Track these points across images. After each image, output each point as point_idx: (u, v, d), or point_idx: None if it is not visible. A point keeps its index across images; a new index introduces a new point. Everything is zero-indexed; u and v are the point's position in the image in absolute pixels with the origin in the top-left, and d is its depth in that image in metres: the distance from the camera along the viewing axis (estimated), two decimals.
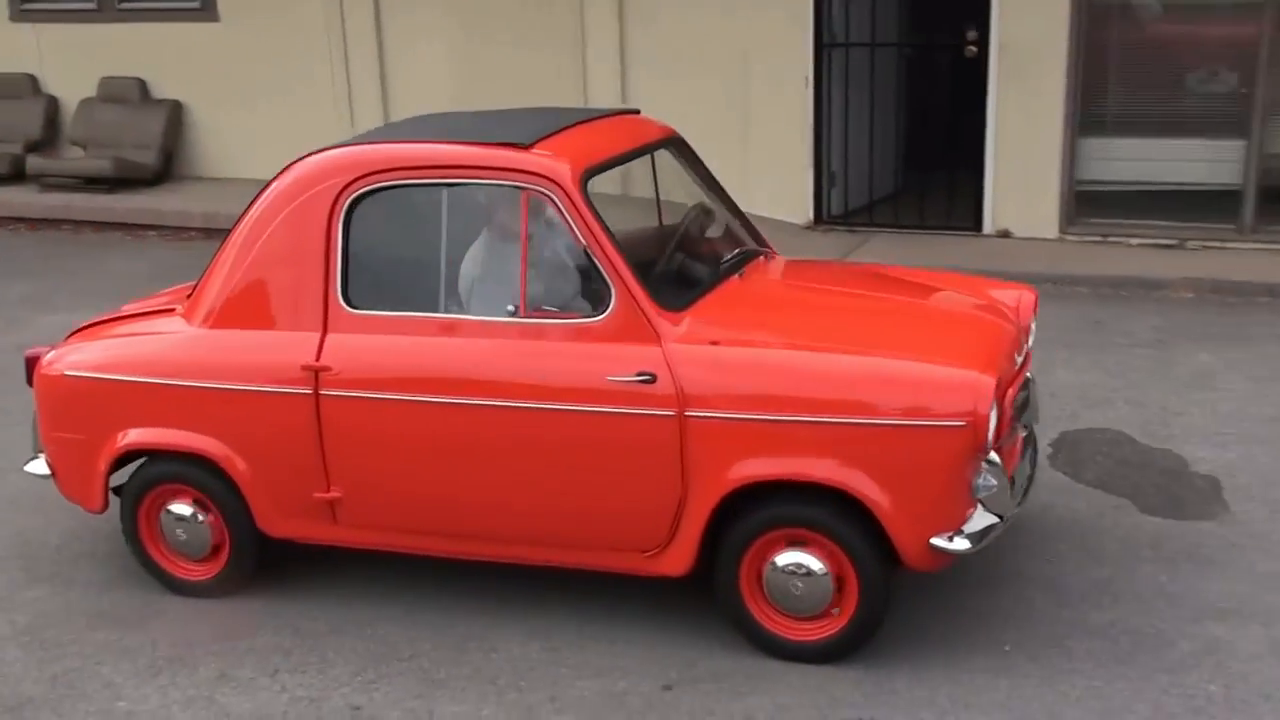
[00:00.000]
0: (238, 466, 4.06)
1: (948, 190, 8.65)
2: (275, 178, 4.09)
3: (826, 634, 3.74)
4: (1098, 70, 8.22)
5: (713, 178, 4.65)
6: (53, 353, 4.33)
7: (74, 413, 4.24)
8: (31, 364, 4.38)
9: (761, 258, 4.46)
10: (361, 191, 3.92)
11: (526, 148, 3.86)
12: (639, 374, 3.67)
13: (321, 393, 3.92)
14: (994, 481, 3.61)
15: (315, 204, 3.95)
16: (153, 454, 4.21)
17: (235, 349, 4.04)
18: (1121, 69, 8.32)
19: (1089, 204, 8.33)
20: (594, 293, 3.79)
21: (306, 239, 3.96)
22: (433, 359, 3.88)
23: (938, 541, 3.57)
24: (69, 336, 4.49)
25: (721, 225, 4.52)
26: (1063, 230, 8.31)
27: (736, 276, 4.19)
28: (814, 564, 3.67)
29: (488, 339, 3.83)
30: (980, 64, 8.24)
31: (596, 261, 3.75)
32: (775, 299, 4.34)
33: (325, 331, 3.95)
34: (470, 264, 3.98)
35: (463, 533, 4.01)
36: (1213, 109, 8.26)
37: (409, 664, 3.86)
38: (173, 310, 4.33)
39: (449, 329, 3.88)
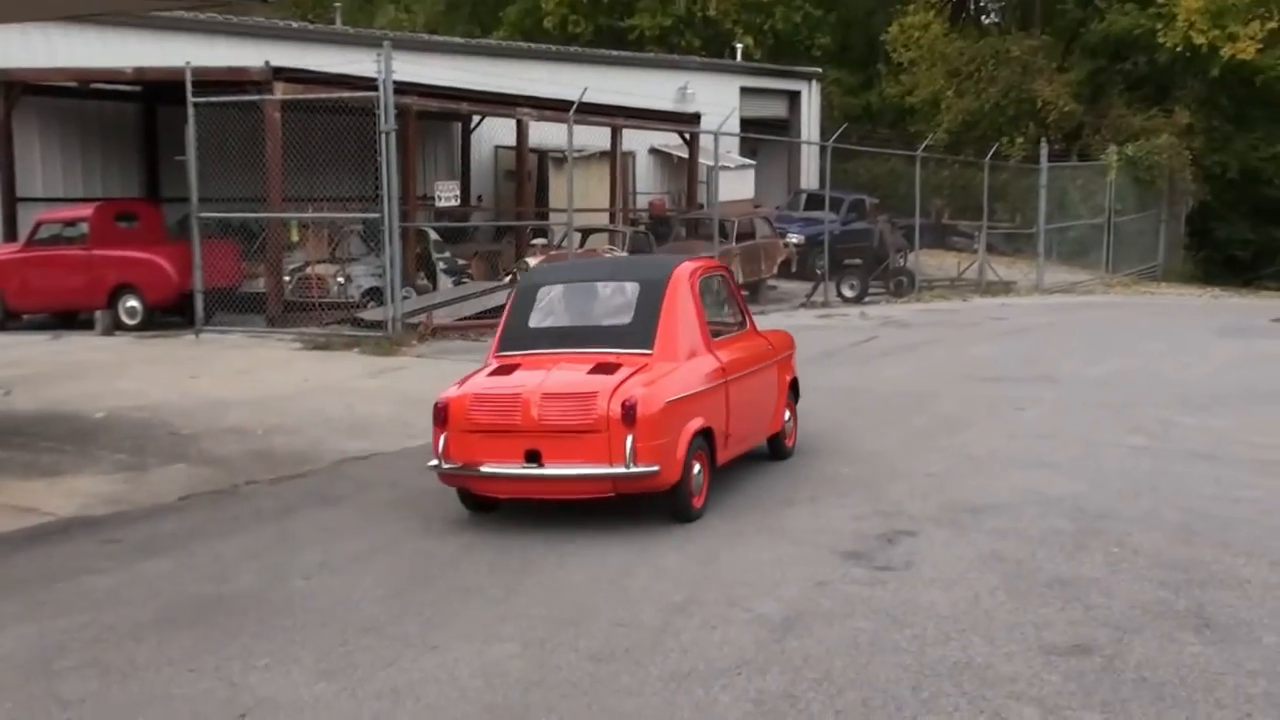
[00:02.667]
0: (718, 429, 7.72)
1: None
2: (666, 280, 7.87)
3: None
4: None
5: None
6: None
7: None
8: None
9: None
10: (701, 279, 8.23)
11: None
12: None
13: (732, 377, 7.98)
14: None
15: (693, 289, 7.99)
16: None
17: (702, 367, 7.77)
18: None
19: None
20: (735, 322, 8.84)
21: (696, 309, 7.96)
22: (745, 353, 8.47)
23: None
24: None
25: None
26: None
27: None
28: None
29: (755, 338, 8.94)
30: None
31: (741, 308, 8.90)
32: None
33: (710, 351, 7.93)
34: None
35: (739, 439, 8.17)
36: None
37: None
38: (645, 363, 7.47)
39: (742, 338, 8.65)
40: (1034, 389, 12.28)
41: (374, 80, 15.28)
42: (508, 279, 19.40)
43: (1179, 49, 33.31)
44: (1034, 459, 8.87)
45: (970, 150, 32.65)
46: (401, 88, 15.97)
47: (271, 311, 16.89)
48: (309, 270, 17.99)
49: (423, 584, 6.31)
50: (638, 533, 7.13)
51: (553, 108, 20.37)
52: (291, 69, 17.09)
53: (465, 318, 17.07)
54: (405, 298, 16.45)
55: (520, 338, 7.93)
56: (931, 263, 28.38)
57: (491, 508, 7.60)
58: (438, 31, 35.71)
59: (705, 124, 25.02)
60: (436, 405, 7.36)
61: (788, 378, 9.12)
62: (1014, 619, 5.61)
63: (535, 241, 22.19)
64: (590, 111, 20.08)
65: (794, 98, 34.09)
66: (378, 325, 15.90)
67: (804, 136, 32.95)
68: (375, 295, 17.25)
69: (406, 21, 40.06)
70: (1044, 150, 28.89)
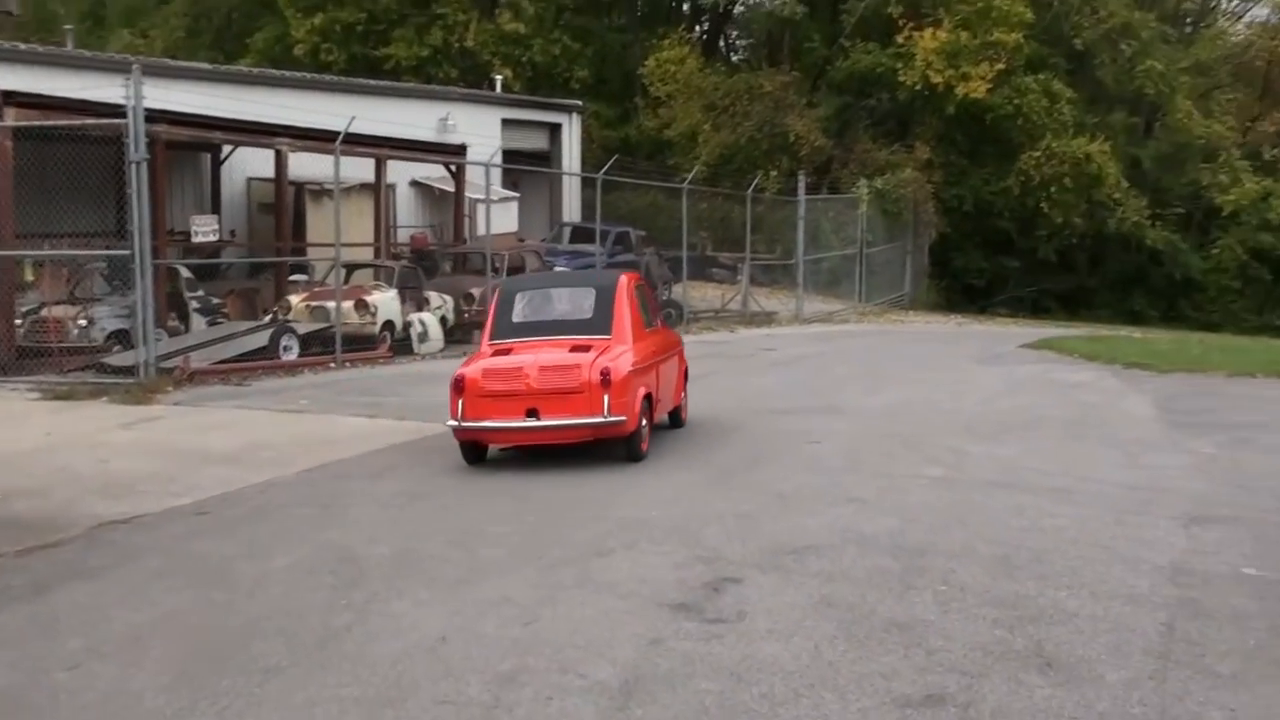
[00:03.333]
0: (654, 395, 10.46)
1: None
2: (615, 286, 10.70)
3: None
4: None
5: None
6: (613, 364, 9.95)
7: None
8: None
9: None
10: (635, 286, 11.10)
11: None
12: None
13: (658, 359, 10.86)
14: None
15: (632, 292, 10.80)
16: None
17: (642, 350, 10.51)
18: None
19: None
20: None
21: (633, 308, 10.70)
22: (662, 344, 11.31)
23: None
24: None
25: None
26: None
27: None
28: None
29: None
30: None
31: (655, 311, 12.00)
32: None
33: (644, 339, 10.64)
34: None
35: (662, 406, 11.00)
36: None
37: None
38: (607, 345, 10.18)
39: (658, 333, 11.52)
40: (822, 421, 12.34)
41: (120, 107, 14.14)
42: (268, 318, 18.35)
43: (918, 87, 35.13)
44: (841, 494, 8.78)
45: (728, 183, 33.33)
46: (151, 115, 14.86)
47: (2, 358, 15.35)
48: (45, 312, 16.49)
49: (212, 666, 5.59)
50: (448, 592, 6.59)
51: (314, 138, 19.49)
52: (25, 93, 15.68)
53: (225, 360, 15.99)
54: (157, 340, 15.26)
55: (507, 329, 10.54)
56: (695, 294, 28.72)
57: (483, 458, 10.08)
58: (178, 57, 33.89)
59: (469, 155, 24.52)
60: (455, 378, 9.77)
61: (683, 366, 11.97)
62: (860, 669, 5.40)
63: (295, 278, 21.13)
64: (356, 142, 19.32)
65: (555, 130, 34.00)
66: (127, 371, 14.67)
67: (565, 168, 32.86)
68: (121, 338, 15.96)
69: (143, 47, 37.91)
70: (801, 183, 29.74)
